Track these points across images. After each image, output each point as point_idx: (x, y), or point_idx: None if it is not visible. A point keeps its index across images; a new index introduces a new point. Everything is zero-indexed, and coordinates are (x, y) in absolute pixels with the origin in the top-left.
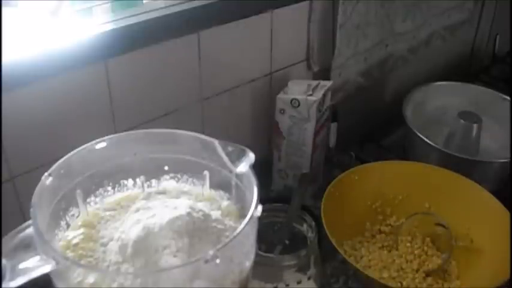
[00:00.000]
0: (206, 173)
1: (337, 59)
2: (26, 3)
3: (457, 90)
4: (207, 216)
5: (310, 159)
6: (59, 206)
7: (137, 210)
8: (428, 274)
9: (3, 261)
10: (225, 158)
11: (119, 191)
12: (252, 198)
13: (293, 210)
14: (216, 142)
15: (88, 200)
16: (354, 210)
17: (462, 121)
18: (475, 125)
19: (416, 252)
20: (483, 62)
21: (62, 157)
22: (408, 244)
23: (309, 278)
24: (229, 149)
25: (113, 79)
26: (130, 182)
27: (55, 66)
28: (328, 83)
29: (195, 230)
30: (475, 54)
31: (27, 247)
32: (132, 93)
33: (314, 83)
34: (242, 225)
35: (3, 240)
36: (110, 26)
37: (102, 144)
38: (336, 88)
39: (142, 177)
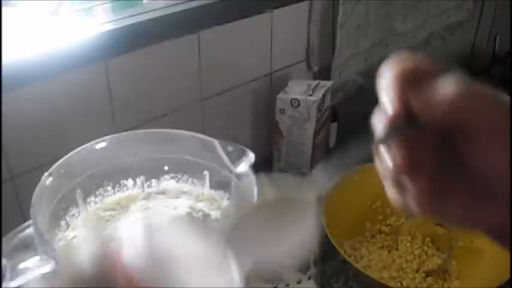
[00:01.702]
0: (206, 173)
1: (337, 59)
2: (26, 3)
3: None
4: (207, 216)
5: (310, 159)
6: (59, 206)
7: (137, 210)
8: (428, 274)
9: (3, 261)
10: (225, 158)
11: (118, 191)
12: (252, 198)
13: None
14: (216, 142)
15: (88, 200)
16: (354, 210)
17: None
18: None
19: (416, 252)
20: (483, 62)
21: (62, 157)
22: (408, 244)
23: (309, 278)
24: (229, 149)
25: (113, 79)
26: (130, 182)
27: (55, 66)
28: (328, 83)
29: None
30: (475, 54)
31: (27, 247)
32: (132, 93)
33: (314, 83)
34: None
35: (3, 240)
36: (110, 26)
37: (102, 144)
38: (336, 88)
39: (142, 177)
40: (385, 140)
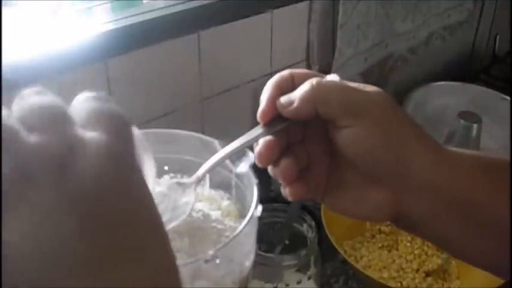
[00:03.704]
0: None
1: (337, 60)
2: (26, 3)
3: (457, 90)
4: (207, 216)
5: None
6: None
7: None
8: (428, 274)
9: None
10: None
11: None
12: (252, 198)
13: (293, 210)
14: (216, 142)
15: None
16: None
17: (462, 121)
18: (475, 125)
19: (416, 252)
20: (483, 62)
21: None
22: (408, 244)
23: (309, 278)
24: None
25: (113, 79)
26: None
27: (55, 66)
28: None
29: (195, 230)
30: (475, 54)
31: None
32: (132, 93)
33: None
34: (242, 225)
35: None
36: (110, 26)
37: None
38: None
39: None
40: (260, 135)
